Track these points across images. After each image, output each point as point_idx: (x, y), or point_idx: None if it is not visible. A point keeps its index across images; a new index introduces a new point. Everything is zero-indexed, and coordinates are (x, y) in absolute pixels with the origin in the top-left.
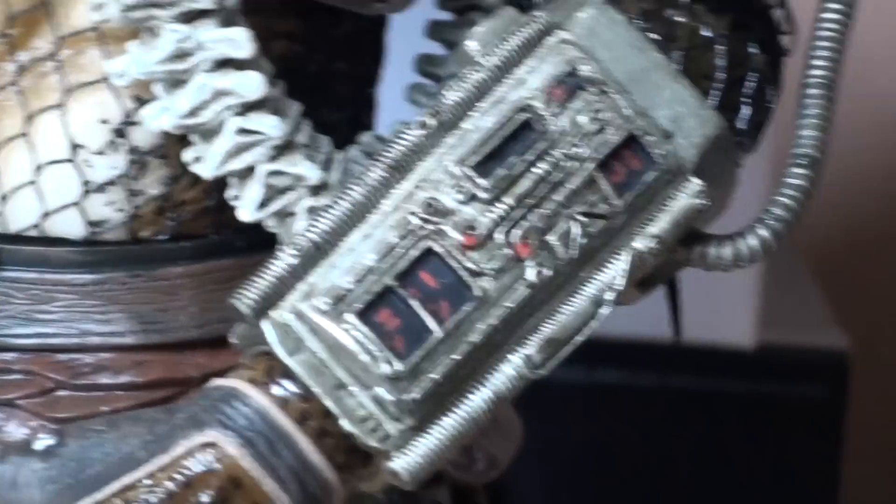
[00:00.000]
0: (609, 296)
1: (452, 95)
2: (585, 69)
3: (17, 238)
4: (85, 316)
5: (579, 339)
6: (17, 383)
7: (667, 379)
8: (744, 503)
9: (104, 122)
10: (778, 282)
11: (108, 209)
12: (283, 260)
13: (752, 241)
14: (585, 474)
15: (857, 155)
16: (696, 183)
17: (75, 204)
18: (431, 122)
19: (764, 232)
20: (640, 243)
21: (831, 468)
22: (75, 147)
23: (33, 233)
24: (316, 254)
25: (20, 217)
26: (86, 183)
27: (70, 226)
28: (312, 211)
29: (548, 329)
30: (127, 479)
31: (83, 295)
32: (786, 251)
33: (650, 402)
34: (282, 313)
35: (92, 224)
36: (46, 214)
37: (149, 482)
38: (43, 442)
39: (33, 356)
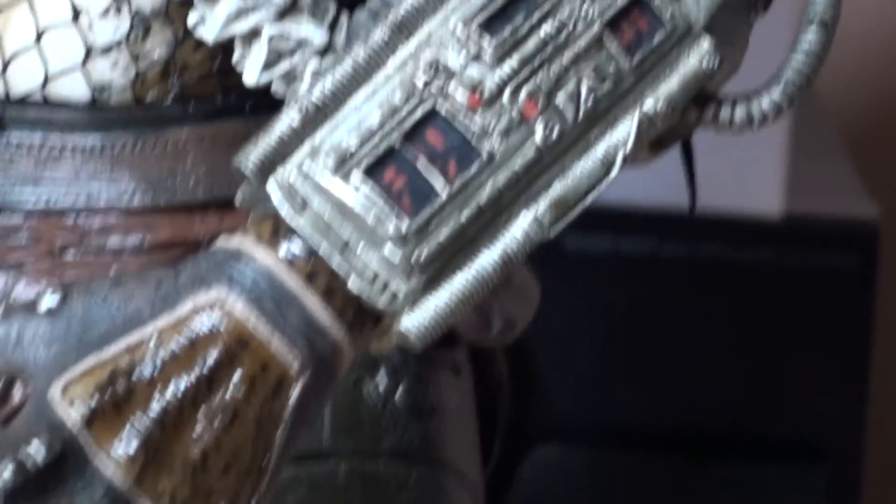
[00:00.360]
0: (619, 157)
1: None
2: None
3: (22, 101)
4: (92, 178)
5: (589, 200)
6: (24, 246)
7: (694, 249)
8: (772, 374)
9: None
10: (806, 150)
11: (112, 73)
12: (287, 120)
13: (764, 104)
14: (611, 344)
15: (889, 20)
16: (706, 43)
17: (78, 67)
18: None
19: (776, 95)
20: (648, 105)
21: (861, 339)
22: (77, 10)
23: (37, 97)
24: (320, 114)
25: (24, 81)
26: (88, 46)
27: (74, 90)
28: (317, 73)
29: (557, 190)
30: (133, 338)
31: (90, 157)
32: (814, 119)
33: (676, 273)
34: (286, 173)
35: (96, 88)
36: (50, 78)
37: (155, 341)
38: (48, 301)
39: (41, 218)
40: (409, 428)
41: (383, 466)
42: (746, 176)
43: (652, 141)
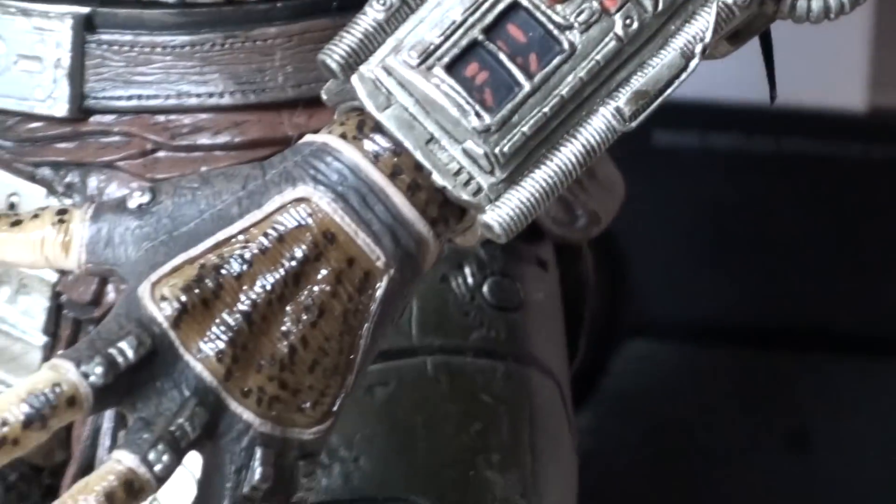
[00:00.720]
0: (698, 48)
1: None
2: None
3: (113, 2)
4: (182, 77)
5: (669, 91)
6: (117, 145)
7: (780, 143)
8: (857, 269)
9: None
10: (890, 45)
11: None
12: (370, 15)
13: None
14: (699, 240)
15: None
16: None
17: None
18: None
19: None
20: None
21: None
22: None
23: None
24: (403, 9)
25: None
26: None
27: None
28: None
29: (637, 82)
30: (221, 235)
31: (180, 56)
32: None
33: (763, 167)
34: (371, 68)
35: None
36: None
37: (242, 238)
38: (137, 200)
39: (132, 118)
40: (496, 323)
41: (470, 361)
42: (830, 70)
43: (730, 33)
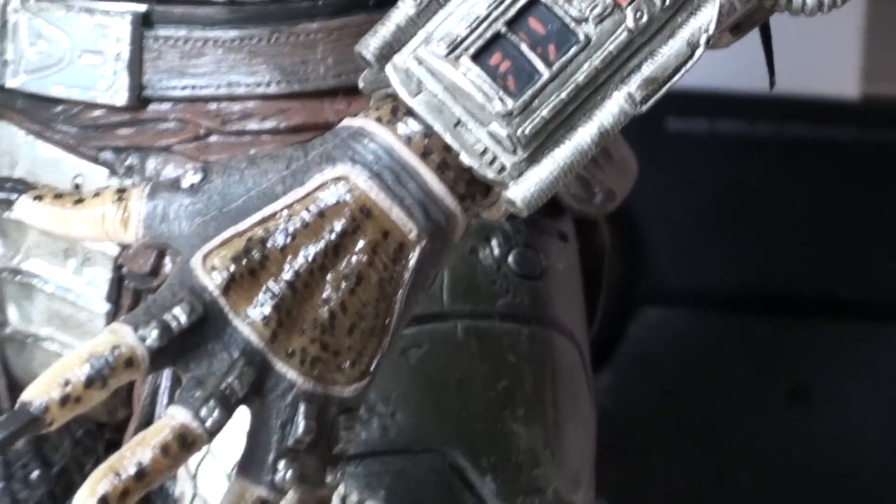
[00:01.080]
0: (702, 39)
1: None
2: None
3: (168, 0)
4: (232, 69)
5: (676, 78)
6: (172, 131)
7: (780, 129)
8: (855, 242)
9: None
10: (881, 37)
11: None
12: (403, 10)
13: None
14: (708, 216)
15: None
16: None
17: None
18: None
19: None
20: None
21: None
22: None
23: None
24: (433, 4)
25: None
26: None
27: None
28: None
29: (647, 70)
30: (266, 211)
31: (230, 50)
32: (891, 2)
33: (766, 150)
34: (403, 58)
35: None
36: None
37: (286, 213)
38: (190, 179)
39: (186, 106)
40: (520, 290)
41: (497, 325)
42: (826, 61)
43: (732, 25)
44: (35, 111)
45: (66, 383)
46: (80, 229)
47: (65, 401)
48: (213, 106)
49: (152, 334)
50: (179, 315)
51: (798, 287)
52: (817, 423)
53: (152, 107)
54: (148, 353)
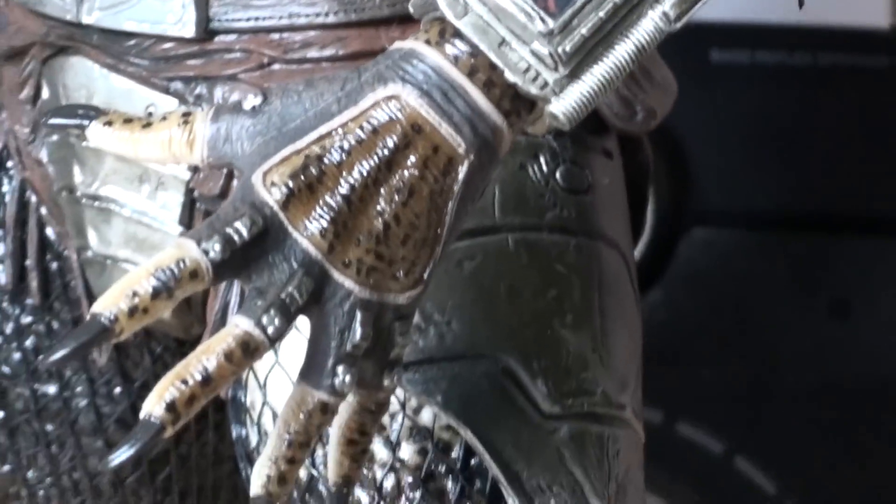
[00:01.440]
0: None
1: None
2: None
3: None
4: (293, 0)
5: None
6: (237, 60)
7: (816, 58)
8: (887, 163)
9: None
10: None
11: None
12: None
13: None
14: (753, 139)
15: None
16: None
17: None
18: None
19: None
20: None
21: None
22: None
23: None
24: None
25: None
26: None
27: None
28: None
29: None
30: (323, 129)
31: None
32: None
33: (804, 79)
34: None
35: None
36: None
37: (342, 131)
38: (251, 101)
39: (250, 37)
40: (567, 204)
41: (546, 237)
42: None
43: None
44: (109, 45)
45: (134, 295)
46: (149, 152)
47: (133, 311)
48: (275, 36)
49: (215, 247)
50: (241, 228)
51: (836, 206)
52: (857, 335)
53: (218, 38)
54: (211, 265)
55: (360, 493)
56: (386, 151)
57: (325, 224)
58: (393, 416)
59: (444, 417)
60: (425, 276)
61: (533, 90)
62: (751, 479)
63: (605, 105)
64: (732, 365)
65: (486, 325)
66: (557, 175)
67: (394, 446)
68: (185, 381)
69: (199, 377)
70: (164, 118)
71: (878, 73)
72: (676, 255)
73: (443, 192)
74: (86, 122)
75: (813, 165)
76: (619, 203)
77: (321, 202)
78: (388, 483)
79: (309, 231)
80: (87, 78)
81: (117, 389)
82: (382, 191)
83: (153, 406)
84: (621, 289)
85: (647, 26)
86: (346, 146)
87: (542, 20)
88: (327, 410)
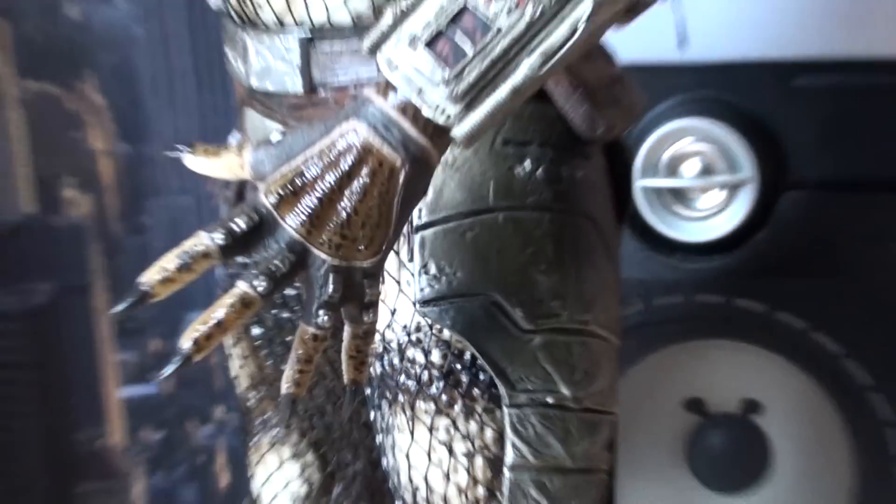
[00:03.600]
0: (581, 24)
1: None
2: None
3: (321, 29)
4: (359, 65)
5: (563, 51)
6: (329, 107)
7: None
8: None
9: None
10: None
11: (362, 5)
12: (384, 20)
13: None
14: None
15: None
16: None
17: (343, 6)
18: None
19: None
20: None
21: None
22: None
23: (327, 23)
24: (403, 16)
25: (320, 13)
26: None
27: (342, 17)
28: None
29: (543, 46)
30: (307, 153)
31: (355, 53)
32: None
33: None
34: (386, 50)
35: (354, 16)
36: (331, 12)
37: (318, 153)
38: (275, 137)
39: (335, 92)
40: (545, 190)
41: (527, 214)
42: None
43: (627, 8)
44: (263, 100)
45: (165, 270)
46: (219, 171)
47: (164, 281)
48: (350, 90)
49: (219, 234)
50: (239, 222)
51: None
52: None
53: (319, 94)
54: (217, 247)
55: (407, 382)
56: (346, 166)
57: (304, 217)
58: (424, 334)
59: (455, 335)
60: (383, 247)
61: (441, 121)
62: None
63: (575, 123)
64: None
65: (481, 275)
66: (539, 172)
67: (426, 353)
68: (205, 323)
69: (213, 322)
70: (227, 148)
71: None
72: (772, 223)
73: (388, 192)
74: (184, 152)
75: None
76: (597, 189)
77: (301, 203)
78: (424, 377)
79: (293, 223)
80: (251, 122)
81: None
82: (346, 193)
83: (184, 341)
84: (591, 246)
85: (520, 73)
86: (319, 164)
87: (443, 71)
88: (318, 339)
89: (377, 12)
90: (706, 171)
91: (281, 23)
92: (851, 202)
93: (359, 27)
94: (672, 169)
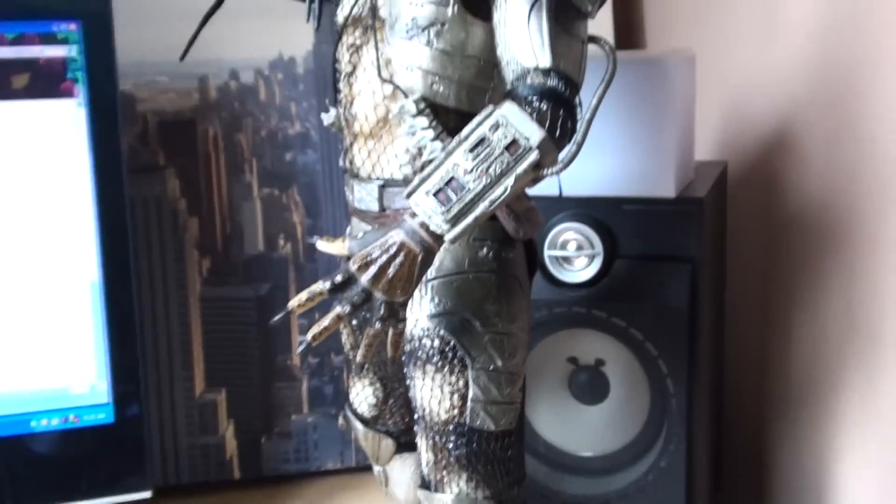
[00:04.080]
0: (510, 188)
1: None
2: None
3: (360, 176)
4: (395, 196)
5: (501, 201)
6: (392, 218)
7: None
8: None
9: None
10: None
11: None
12: (415, 182)
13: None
14: None
15: None
16: (532, 156)
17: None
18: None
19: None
20: (509, 182)
21: None
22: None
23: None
24: (421, 181)
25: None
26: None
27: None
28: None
29: (491, 196)
30: (375, 244)
31: (400, 192)
32: None
33: None
34: (413, 195)
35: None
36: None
37: (379, 246)
38: (360, 234)
39: (393, 211)
40: (494, 263)
41: (484, 274)
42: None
43: (534, 180)
44: (359, 214)
45: (300, 300)
46: (334, 250)
47: (300, 305)
48: (401, 211)
49: (326, 284)
50: (336, 277)
51: None
52: None
53: (386, 212)
54: (327, 290)
55: (422, 355)
56: (392, 251)
57: (370, 277)
58: (431, 331)
59: (446, 333)
60: (410, 295)
61: (439, 232)
62: None
63: (509, 230)
64: None
65: (459, 304)
66: (491, 254)
67: (431, 341)
68: (320, 326)
69: (323, 326)
70: (340, 239)
71: None
72: None
73: (412, 266)
74: (316, 240)
75: None
76: (519, 262)
77: (369, 270)
78: (430, 353)
79: (364, 279)
80: (354, 224)
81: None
82: (391, 265)
83: (309, 335)
84: (516, 291)
85: (479, 209)
86: (380, 251)
87: (441, 206)
88: (376, 334)
89: (414, 173)
90: (579, 247)
91: (369, 177)
92: (649, 265)
93: (406, 181)
94: (563, 245)
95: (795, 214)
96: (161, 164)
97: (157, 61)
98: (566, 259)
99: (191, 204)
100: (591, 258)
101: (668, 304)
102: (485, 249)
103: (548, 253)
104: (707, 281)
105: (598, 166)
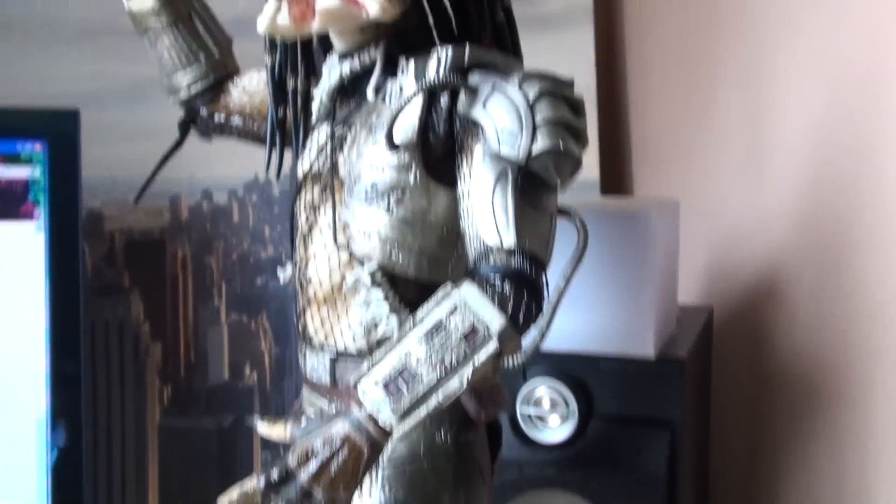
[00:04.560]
0: (466, 379)
1: None
2: None
3: (346, 354)
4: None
5: (457, 394)
6: (340, 394)
7: None
8: None
9: None
10: None
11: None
12: (363, 367)
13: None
14: None
15: None
16: (492, 346)
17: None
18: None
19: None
20: (468, 370)
21: None
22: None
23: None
24: (370, 367)
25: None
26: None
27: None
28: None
29: (444, 392)
30: (315, 436)
31: (354, 369)
32: None
33: None
34: (362, 383)
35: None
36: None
37: (320, 439)
38: (302, 421)
39: (344, 387)
40: (449, 448)
41: (441, 463)
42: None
43: (493, 369)
44: (313, 386)
45: (234, 498)
46: (276, 435)
47: (230, 502)
48: (352, 387)
49: (262, 481)
50: (272, 473)
51: None
52: None
53: (338, 385)
54: (261, 488)
55: None
56: (336, 446)
57: (311, 474)
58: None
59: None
60: (353, 491)
61: (387, 428)
62: None
63: (469, 412)
64: None
65: (411, 493)
66: (450, 436)
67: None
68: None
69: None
70: (282, 424)
71: None
72: None
73: (357, 462)
74: (257, 422)
75: None
76: (480, 444)
77: (308, 466)
78: None
79: (302, 476)
80: (307, 395)
81: None
82: (334, 461)
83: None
84: (475, 476)
85: (431, 403)
86: (321, 444)
87: (391, 400)
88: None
89: (369, 348)
90: (553, 405)
91: (322, 347)
92: (627, 428)
93: (360, 355)
94: (536, 403)
95: (782, 371)
96: (126, 285)
97: (127, 177)
98: (539, 417)
99: (154, 328)
100: (566, 417)
101: (646, 473)
102: (442, 432)
103: (520, 410)
104: (687, 446)
105: (576, 321)
